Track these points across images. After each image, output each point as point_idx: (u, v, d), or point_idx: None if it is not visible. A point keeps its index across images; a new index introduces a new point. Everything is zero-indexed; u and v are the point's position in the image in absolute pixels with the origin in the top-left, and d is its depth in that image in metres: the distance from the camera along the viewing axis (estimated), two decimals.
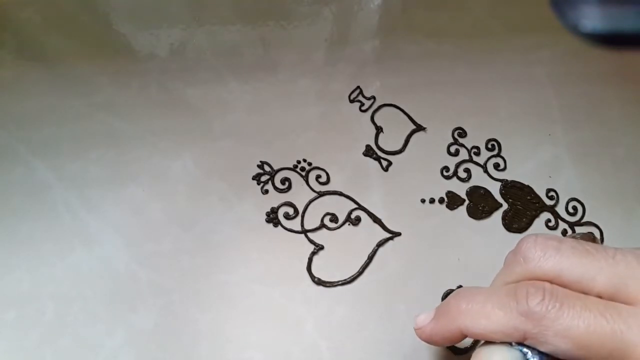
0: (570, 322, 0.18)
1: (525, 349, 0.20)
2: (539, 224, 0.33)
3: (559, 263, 0.20)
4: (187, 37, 0.35)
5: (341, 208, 0.32)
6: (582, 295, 0.19)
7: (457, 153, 0.34)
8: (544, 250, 0.20)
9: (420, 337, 0.24)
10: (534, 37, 0.37)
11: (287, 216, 0.31)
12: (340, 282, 0.30)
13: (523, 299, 0.19)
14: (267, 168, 0.32)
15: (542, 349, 0.19)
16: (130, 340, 0.28)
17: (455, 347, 0.29)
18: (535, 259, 0.20)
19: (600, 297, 0.19)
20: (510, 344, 0.20)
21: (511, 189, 0.33)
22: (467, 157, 0.34)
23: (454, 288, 0.30)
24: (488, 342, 0.21)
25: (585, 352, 0.18)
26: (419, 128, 0.34)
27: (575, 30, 0.21)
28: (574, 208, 0.33)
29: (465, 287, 0.27)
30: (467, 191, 0.33)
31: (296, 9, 0.36)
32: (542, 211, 0.33)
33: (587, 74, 0.36)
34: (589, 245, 0.20)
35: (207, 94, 0.34)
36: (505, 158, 0.34)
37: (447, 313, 0.22)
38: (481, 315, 0.21)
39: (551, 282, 0.20)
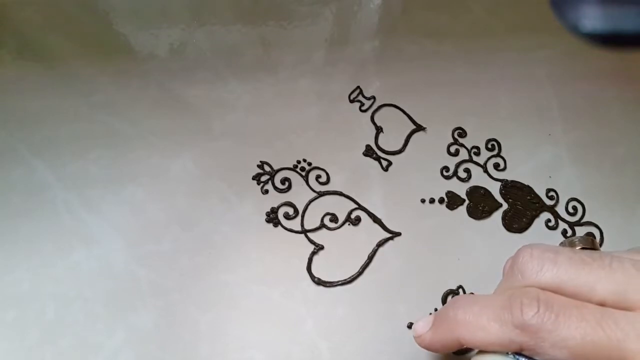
0: (567, 333, 0.18)
1: (522, 359, 0.20)
2: (539, 224, 0.33)
3: (557, 276, 0.20)
4: (187, 37, 0.35)
5: (341, 208, 0.32)
6: (579, 303, 0.19)
7: (457, 153, 0.34)
8: (541, 264, 0.20)
9: (420, 345, 0.24)
10: (534, 37, 0.37)
11: (287, 216, 0.31)
12: (340, 282, 0.30)
13: (517, 311, 0.20)
14: (267, 168, 0.32)
15: (539, 359, 0.19)
16: (130, 340, 0.28)
17: None
18: (533, 273, 0.21)
19: (600, 305, 0.19)
20: (507, 352, 0.20)
21: (511, 189, 0.33)
22: (467, 157, 0.34)
23: (454, 288, 0.30)
24: (484, 351, 0.21)
25: None
26: (419, 128, 0.34)
27: (575, 30, 0.21)
28: (574, 208, 0.33)
29: (463, 295, 0.27)
30: (467, 191, 0.33)
31: (296, 9, 0.36)
32: (542, 211, 0.33)
33: (587, 74, 0.36)
34: (585, 255, 0.20)
35: (207, 94, 0.34)
36: (505, 158, 0.34)
37: (445, 323, 0.22)
38: (477, 328, 0.21)
39: None
